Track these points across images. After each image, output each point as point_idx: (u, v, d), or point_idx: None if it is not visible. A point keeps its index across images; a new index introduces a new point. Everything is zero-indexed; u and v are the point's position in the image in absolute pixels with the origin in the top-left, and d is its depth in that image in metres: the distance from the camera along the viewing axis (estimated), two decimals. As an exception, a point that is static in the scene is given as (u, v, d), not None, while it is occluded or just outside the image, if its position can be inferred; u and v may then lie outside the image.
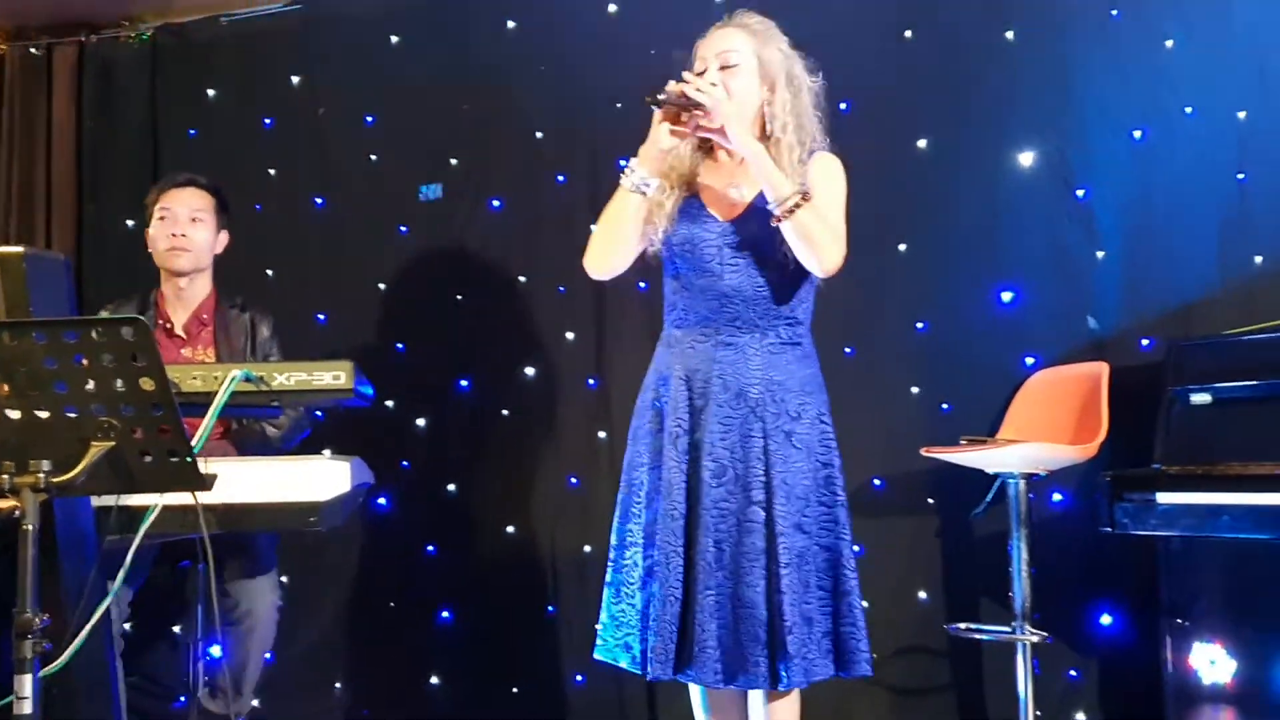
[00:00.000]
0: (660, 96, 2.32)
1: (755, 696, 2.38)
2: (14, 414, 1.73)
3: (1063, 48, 3.45)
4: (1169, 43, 3.36)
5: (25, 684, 1.72)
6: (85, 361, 1.69)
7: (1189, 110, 3.33)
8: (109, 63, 4.34)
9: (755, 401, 2.35)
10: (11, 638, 1.73)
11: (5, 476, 1.70)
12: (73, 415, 1.72)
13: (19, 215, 4.35)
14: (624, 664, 2.42)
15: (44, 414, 1.72)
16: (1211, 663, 2.91)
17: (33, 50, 4.39)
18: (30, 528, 1.70)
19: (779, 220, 2.31)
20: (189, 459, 1.76)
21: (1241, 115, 3.28)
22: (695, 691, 2.49)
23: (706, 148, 2.52)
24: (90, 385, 1.71)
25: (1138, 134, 3.38)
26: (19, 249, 1.97)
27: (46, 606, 1.77)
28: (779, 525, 2.29)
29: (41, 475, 1.70)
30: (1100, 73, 3.41)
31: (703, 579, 2.30)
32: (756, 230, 2.38)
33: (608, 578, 2.49)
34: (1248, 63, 3.29)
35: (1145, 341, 3.30)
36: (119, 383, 1.70)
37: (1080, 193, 3.41)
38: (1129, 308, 3.36)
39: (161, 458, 1.76)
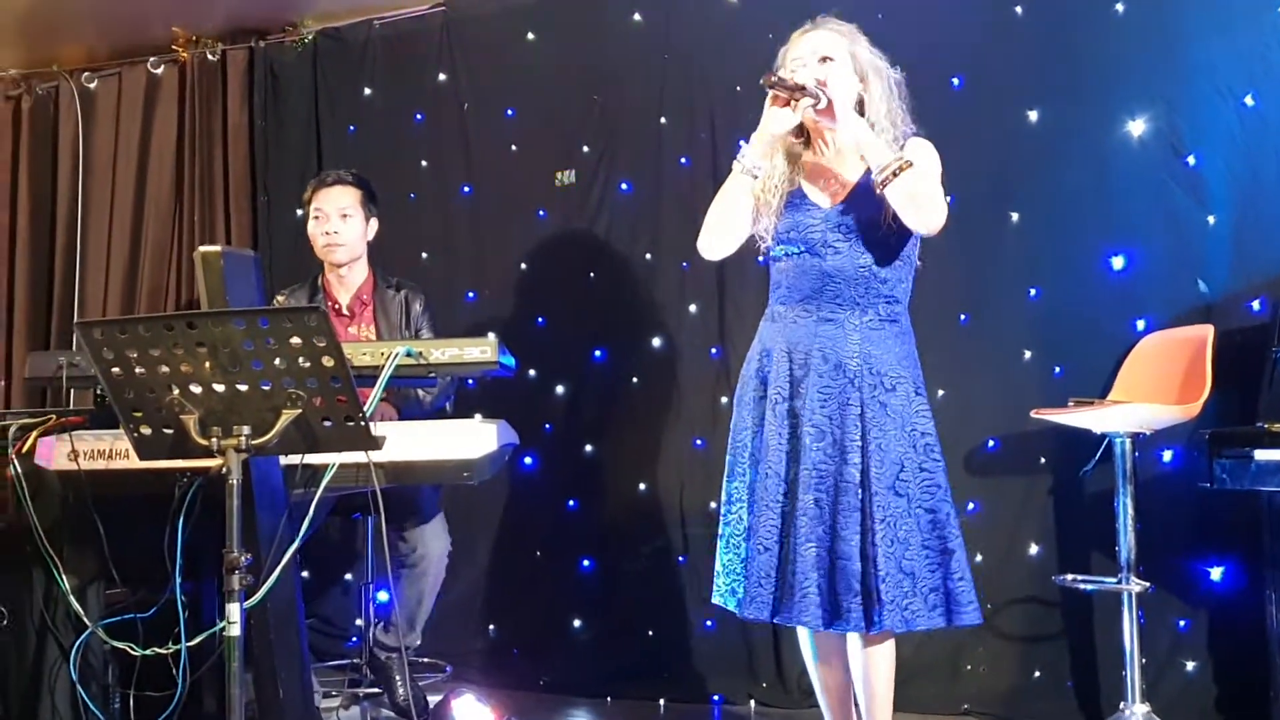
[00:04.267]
0: (774, 79, 2.49)
1: (853, 641, 2.58)
2: (219, 387, 2.03)
3: (1172, 16, 3.44)
4: (1280, 8, 3.34)
5: (233, 611, 2.05)
6: (276, 343, 1.98)
7: (1300, 75, 3.31)
8: (276, 65, 4.69)
9: (853, 374, 2.53)
10: (221, 576, 2.07)
11: (214, 440, 2.04)
12: (266, 388, 2.02)
13: (201, 209, 4.72)
14: (731, 607, 2.63)
15: (243, 387, 2.02)
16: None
17: (209, 56, 4.77)
18: (235, 482, 2.02)
19: (883, 186, 2.46)
20: (363, 423, 2.07)
21: (1354, 78, 3.25)
22: (804, 637, 2.72)
23: (806, 143, 2.70)
24: (280, 363, 2.00)
25: (1248, 100, 3.36)
26: (218, 248, 2.31)
27: (248, 549, 2.12)
28: (874, 486, 2.47)
29: (243, 438, 2.02)
30: (1209, 40, 3.39)
31: (804, 533, 2.48)
32: (856, 216, 2.57)
33: (719, 530, 2.70)
34: (1360, 25, 3.25)
35: (1255, 304, 3.30)
36: (304, 360, 1.99)
37: (1190, 159, 3.42)
38: (1239, 271, 3.35)
39: (340, 423, 2.05)
